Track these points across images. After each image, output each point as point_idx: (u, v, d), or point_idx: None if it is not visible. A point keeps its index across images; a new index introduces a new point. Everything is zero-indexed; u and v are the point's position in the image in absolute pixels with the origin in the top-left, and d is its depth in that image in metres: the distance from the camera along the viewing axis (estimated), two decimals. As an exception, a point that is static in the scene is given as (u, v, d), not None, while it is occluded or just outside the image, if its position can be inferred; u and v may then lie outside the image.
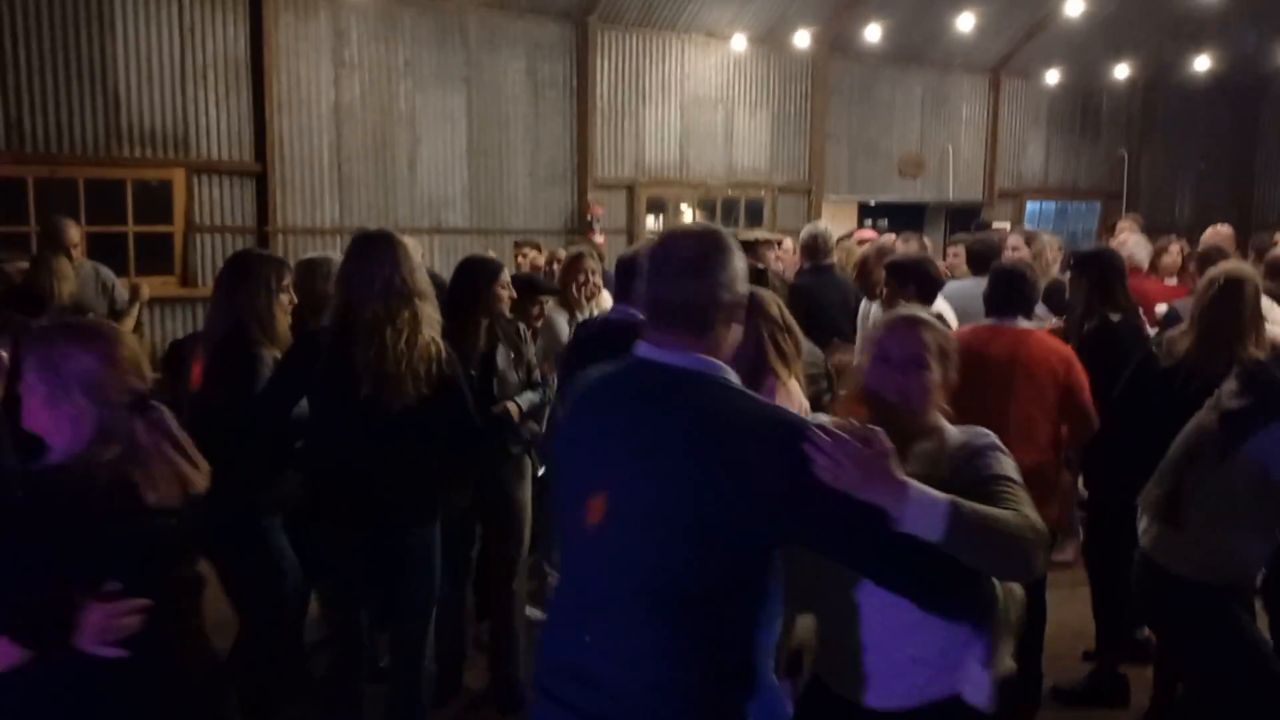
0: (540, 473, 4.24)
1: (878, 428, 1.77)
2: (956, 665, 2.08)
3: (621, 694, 1.82)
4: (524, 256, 7.51)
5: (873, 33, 11.21)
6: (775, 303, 3.19)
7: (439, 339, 3.19)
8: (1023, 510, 1.90)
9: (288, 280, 3.55)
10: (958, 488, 1.83)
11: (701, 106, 11.21)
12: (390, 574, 3.27)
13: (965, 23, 11.14)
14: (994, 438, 2.15)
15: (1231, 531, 2.98)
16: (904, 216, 13.35)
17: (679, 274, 1.88)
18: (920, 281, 4.43)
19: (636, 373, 1.92)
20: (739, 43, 11.03)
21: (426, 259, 6.50)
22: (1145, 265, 6.13)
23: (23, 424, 2.13)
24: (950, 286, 5.67)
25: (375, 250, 3.17)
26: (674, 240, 1.95)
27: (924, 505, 1.72)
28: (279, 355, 3.40)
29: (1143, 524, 3.21)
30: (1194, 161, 15.26)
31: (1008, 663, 2.14)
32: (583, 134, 10.31)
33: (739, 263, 1.91)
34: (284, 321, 3.49)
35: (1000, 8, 11.91)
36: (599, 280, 4.96)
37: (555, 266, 5.17)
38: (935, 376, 2.16)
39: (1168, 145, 15.16)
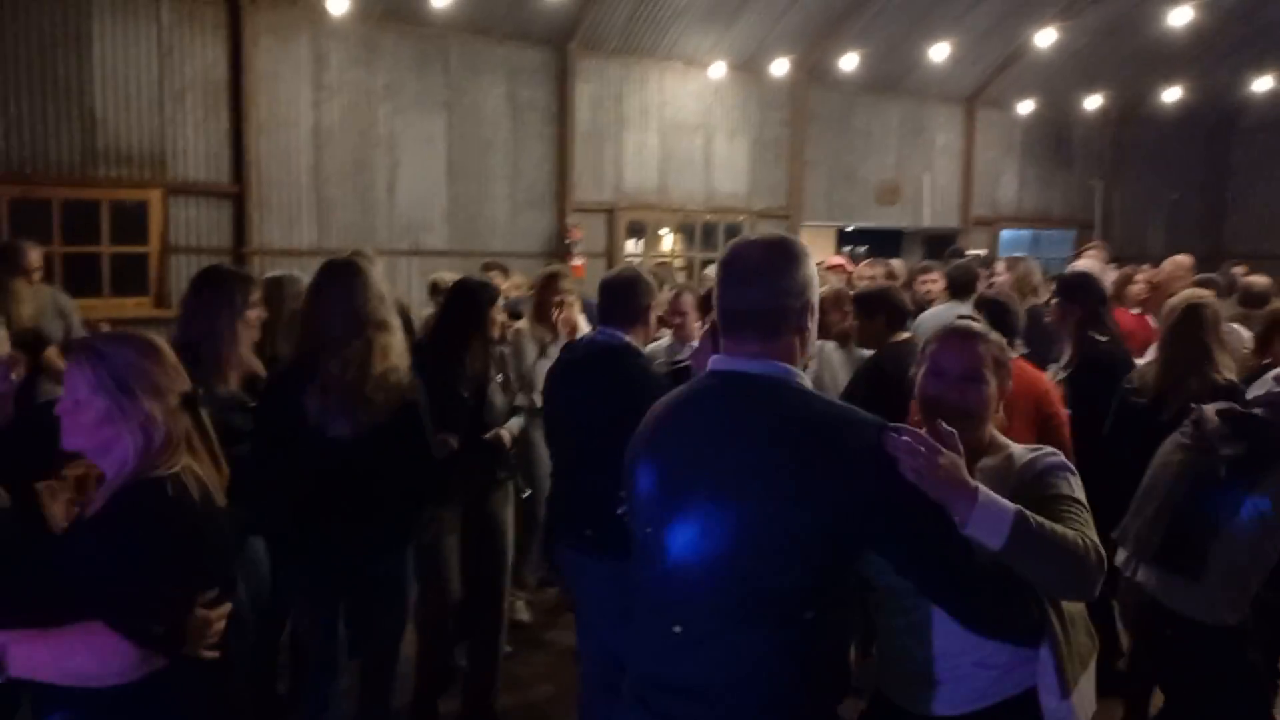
0: (526, 494, 4.26)
1: (952, 429, 1.79)
2: (1024, 662, 2.02)
3: (720, 703, 1.83)
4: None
5: (850, 61, 11.36)
6: None
7: (403, 368, 3.18)
8: (1085, 531, 1.90)
9: (255, 297, 3.47)
10: (1023, 505, 1.82)
11: (681, 132, 11.29)
12: (360, 602, 3.25)
13: (940, 52, 11.31)
14: (1061, 457, 2.12)
15: (1252, 574, 2.95)
16: (881, 243, 13.47)
17: (748, 282, 1.90)
18: (889, 310, 4.46)
19: (715, 385, 1.94)
20: (718, 70, 11.13)
21: (404, 282, 6.49)
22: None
23: (63, 444, 2.06)
24: (925, 314, 5.75)
25: (337, 280, 3.19)
26: (742, 250, 1.96)
27: (992, 510, 1.74)
28: (229, 387, 3.30)
29: (1132, 564, 3.14)
30: (1165, 192, 15.50)
31: (1088, 694, 2.08)
32: (563, 158, 10.35)
33: (808, 268, 1.93)
34: (248, 339, 3.40)
35: (975, 39, 12.10)
36: (574, 302, 4.97)
37: (567, 296, 5.15)
38: (992, 389, 2.15)
39: (1140, 175, 15.39)
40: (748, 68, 11.43)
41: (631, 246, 11.18)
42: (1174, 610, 3.02)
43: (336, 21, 8.75)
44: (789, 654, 1.81)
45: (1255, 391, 3.05)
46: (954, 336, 2.22)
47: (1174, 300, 3.89)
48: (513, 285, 6.65)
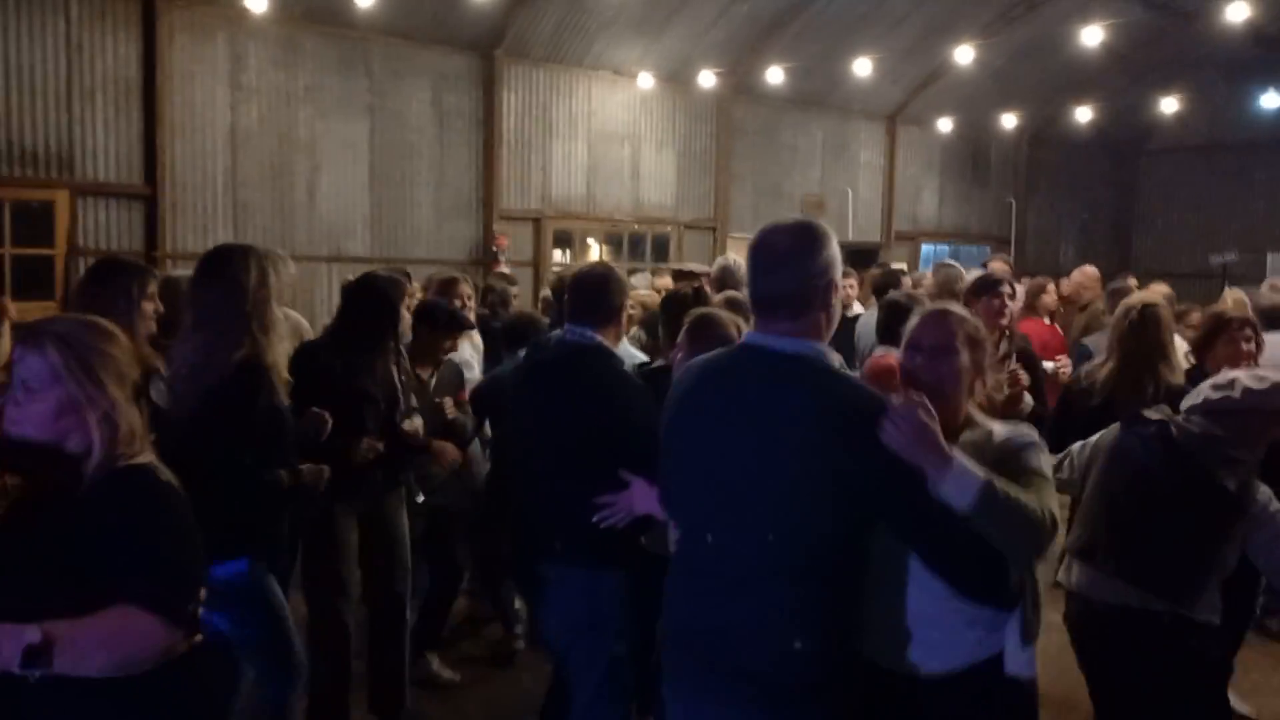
0: (419, 499, 4.14)
1: (923, 397, 1.98)
2: (1004, 624, 2.20)
3: (746, 646, 2.02)
4: None
5: (775, 75, 11.48)
6: (734, 324, 3.15)
7: (271, 369, 3.02)
8: (1045, 500, 2.07)
9: (152, 289, 3.29)
10: (999, 476, 2.01)
11: (609, 142, 11.28)
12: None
13: (863, 68, 11.50)
14: (1036, 435, 2.29)
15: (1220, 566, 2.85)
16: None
17: (776, 267, 2.08)
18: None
19: (749, 357, 2.11)
20: (646, 80, 11.16)
21: (324, 289, 6.34)
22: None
23: (8, 434, 1.92)
24: (864, 317, 6.20)
25: (214, 271, 3.06)
26: (770, 236, 2.11)
27: (963, 474, 1.93)
28: None
29: (1086, 575, 2.99)
30: (1077, 211, 16.01)
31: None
32: (489, 166, 10.26)
33: (831, 250, 2.10)
34: (143, 330, 3.21)
35: (897, 56, 12.34)
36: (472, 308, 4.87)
37: (469, 301, 5.03)
38: (964, 361, 2.28)
39: (1052, 193, 15.87)
40: (675, 79, 11.49)
41: (559, 256, 11.12)
42: (1143, 608, 2.86)
43: (256, 21, 8.55)
44: (808, 605, 2.01)
45: (1190, 400, 3.02)
46: (931, 314, 2.39)
47: (1129, 300, 3.88)
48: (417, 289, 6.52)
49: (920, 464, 1.91)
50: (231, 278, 2.99)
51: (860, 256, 13.45)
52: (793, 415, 1.98)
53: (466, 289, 4.99)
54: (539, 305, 7.41)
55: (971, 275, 5.22)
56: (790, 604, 2.00)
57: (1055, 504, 2.10)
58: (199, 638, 1.96)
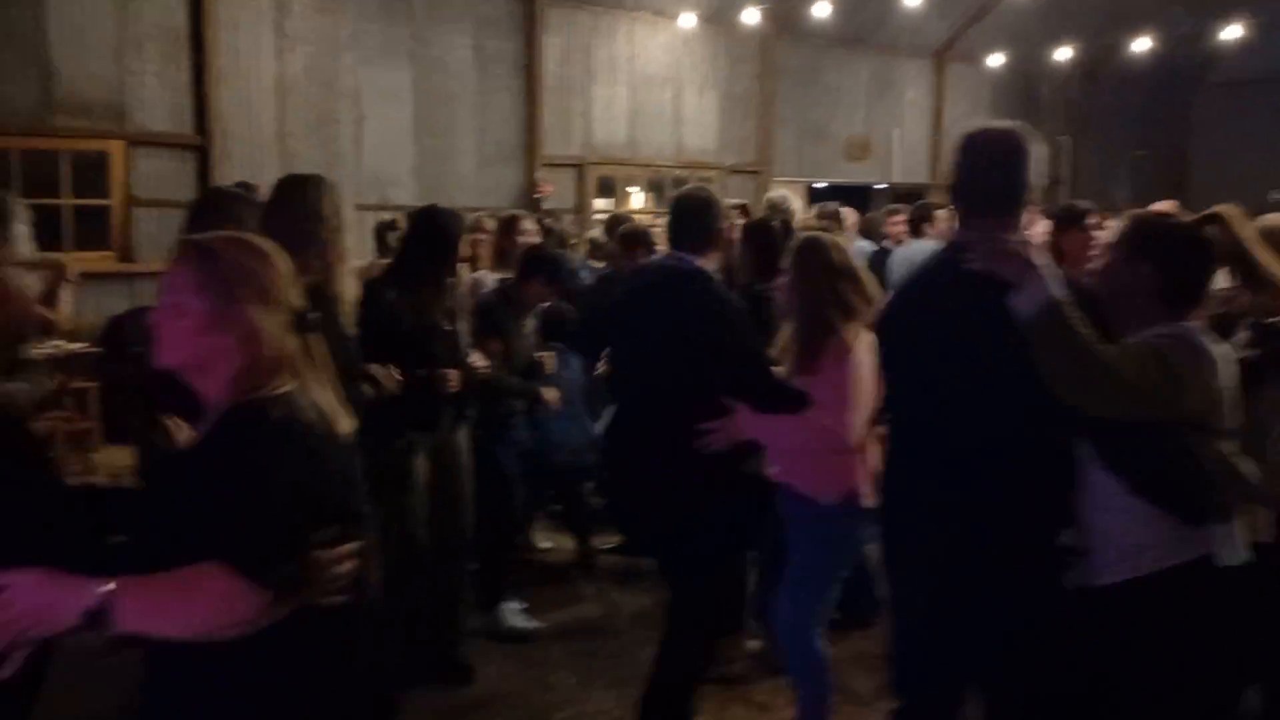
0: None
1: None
2: (1187, 539, 2.21)
3: (978, 532, 2.22)
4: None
5: (821, 9, 11.22)
6: (836, 247, 3.19)
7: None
8: (1124, 366, 2.11)
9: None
10: (1123, 350, 2.16)
11: (650, 86, 11.18)
12: None
13: (910, 3, 11.23)
14: (1183, 338, 2.26)
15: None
16: (850, 199, 13.42)
17: (986, 167, 2.27)
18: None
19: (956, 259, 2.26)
20: (688, 21, 11.02)
21: (372, 236, 6.43)
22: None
23: (159, 360, 1.78)
24: (897, 252, 6.66)
25: (290, 196, 3.09)
26: (978, 138, 2.31)
27: (1040, 286, 2.08)
28: None
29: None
30: (1132, 147, 15.60)
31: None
32: (531, 112, 10.24)
33: (1033, 154, 2.29)
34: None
35: (945, -9, 12.05)
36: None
37: (534, 238, 5.10)
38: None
39: (1106, 130, 15.46)
40: (717, 19, 11.32)
41: (601, 203, 11.11)
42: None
43: (298, -31, 8.55)
44: (1034, 487, 2.22)
45: None
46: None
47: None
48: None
49: (1002, 275, 2.08)
50: (309, 203, 3.03)
51: (908, 198, 13.24)
52: (1001, 314, 2.11)
53: (529, 224, 5.07)
54: (586, 248, 7.45)
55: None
56: (996, 482, 2.20)
57: (1133, 378, 2.11)
58: (322, 600, 1.73)
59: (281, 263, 1.86)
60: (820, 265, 3.09)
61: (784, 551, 3.30)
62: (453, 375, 3.73)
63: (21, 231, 2.80)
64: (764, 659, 4.05)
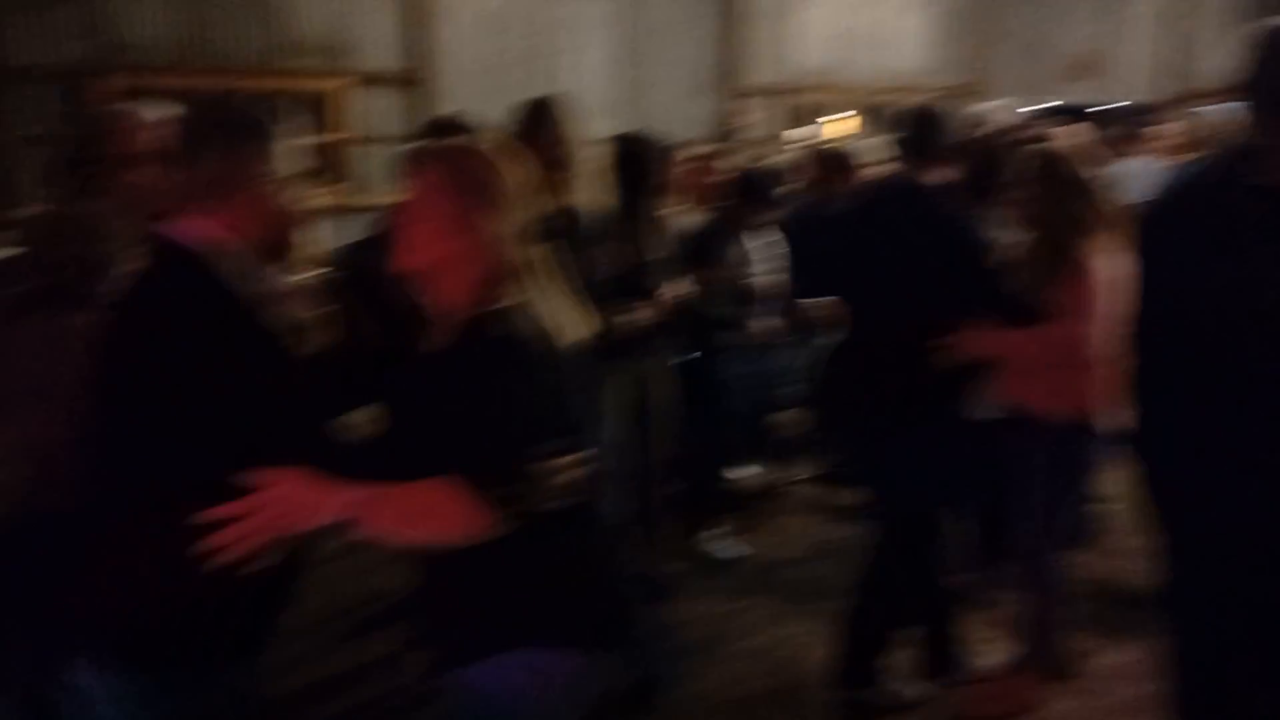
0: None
1: None
2: None
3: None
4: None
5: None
6: (1067, 160, 3.07)
7: None
8: None
9: None
10: None
11: (855, 6, 10.72)
12: None
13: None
14: None
15: None
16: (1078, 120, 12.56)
17: None
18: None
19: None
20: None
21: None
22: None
23: (395, 264, 1.81)
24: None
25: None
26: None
27: None
28: None
29: None
30: None
31: None
32: (731, 40, 10.03)
33: None
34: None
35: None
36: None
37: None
38: None
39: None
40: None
41: (806, 131, 10.82)
42: None
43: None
44: None
45: None
46: None
47: None
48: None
49: None
50: (557, 125, 3.31)
51: (1137, 122, 12.29)
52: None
53: (732, 153, 5.05)
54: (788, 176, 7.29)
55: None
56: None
57: None
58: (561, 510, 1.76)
59: (518, 173, 1.86)
60: (1060, 179, 3.03)
61: (1010, 493, 3.22)
62: (659, 303, 3.75)
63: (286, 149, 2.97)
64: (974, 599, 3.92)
